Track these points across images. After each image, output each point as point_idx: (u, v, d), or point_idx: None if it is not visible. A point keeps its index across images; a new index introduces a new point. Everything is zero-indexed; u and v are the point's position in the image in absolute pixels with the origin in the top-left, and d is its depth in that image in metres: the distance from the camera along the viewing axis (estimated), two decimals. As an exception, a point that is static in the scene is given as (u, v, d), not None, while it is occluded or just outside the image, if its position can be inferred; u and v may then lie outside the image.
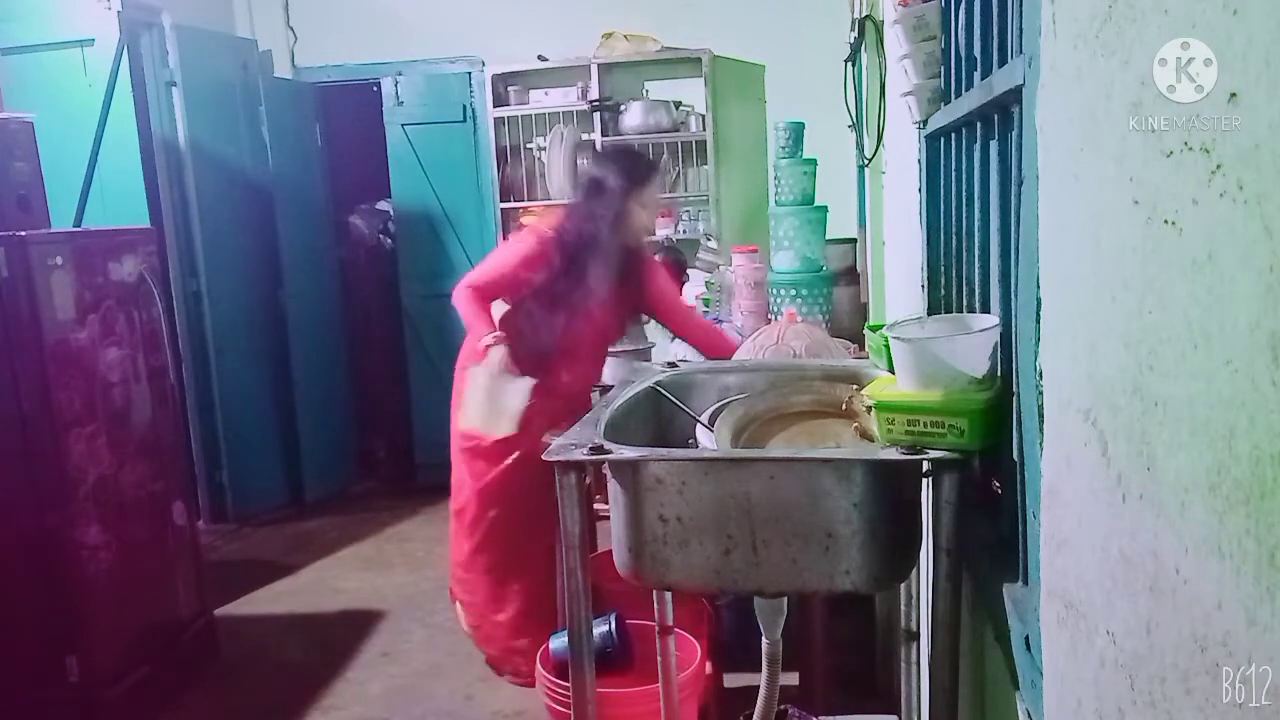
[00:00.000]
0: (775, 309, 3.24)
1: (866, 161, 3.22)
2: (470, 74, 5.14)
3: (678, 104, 4.93)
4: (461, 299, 2.81)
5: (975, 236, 1.42)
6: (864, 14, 3.11)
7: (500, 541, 2.91)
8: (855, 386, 1.58)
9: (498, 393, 2.63)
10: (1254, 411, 0.51)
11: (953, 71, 1.55)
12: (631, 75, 5.06)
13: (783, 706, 1.98)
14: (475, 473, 2.89)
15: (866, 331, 2.11)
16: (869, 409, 1.37)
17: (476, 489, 2.89)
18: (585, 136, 4.97)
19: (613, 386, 1.86)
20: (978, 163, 1.39)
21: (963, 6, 1.43)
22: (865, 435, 1.49)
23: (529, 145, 5.04)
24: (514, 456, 2.84)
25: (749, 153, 5.00)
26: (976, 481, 1.42)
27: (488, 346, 2.68)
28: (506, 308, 2.88)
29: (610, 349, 3.09)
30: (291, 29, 5.30)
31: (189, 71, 4.42)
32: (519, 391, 2.63)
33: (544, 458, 1.42)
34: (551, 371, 2.84)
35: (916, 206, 1.84)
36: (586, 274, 2.78)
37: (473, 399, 2.65)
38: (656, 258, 3.36)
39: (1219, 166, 0.55)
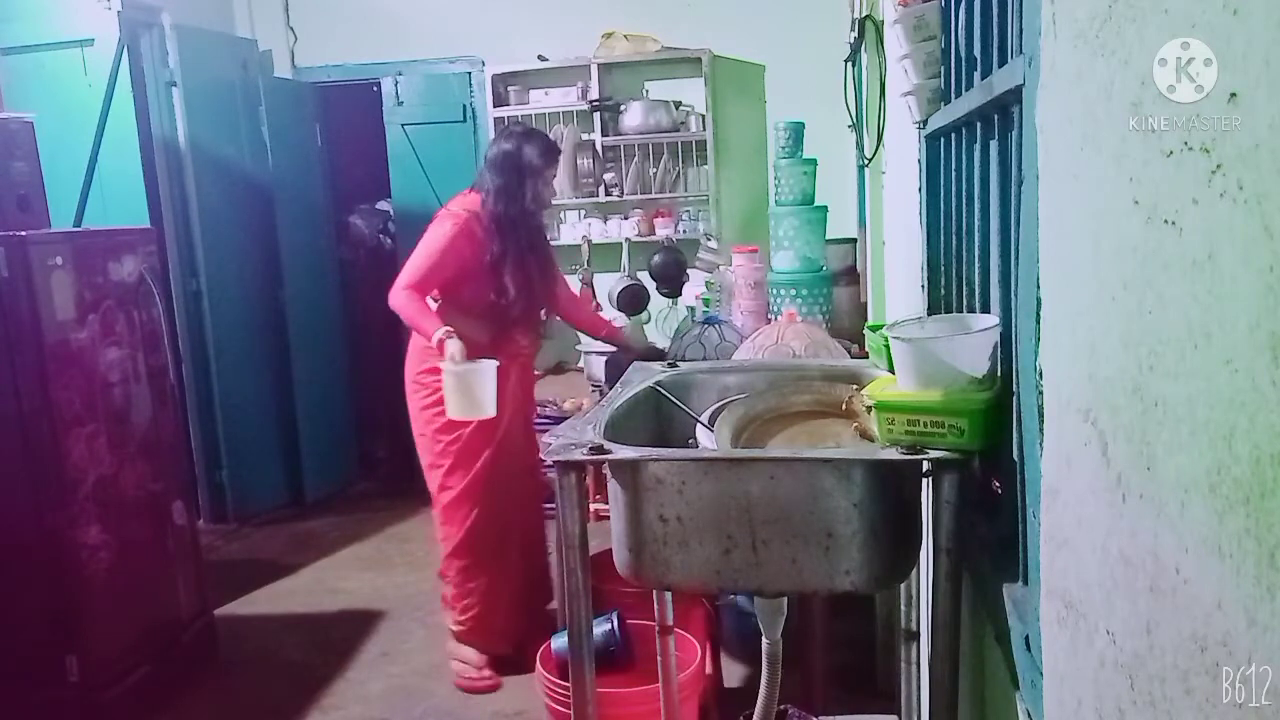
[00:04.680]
0: (775, 309, 3.24)
1: (866, 161, 3.22)
2: (470, 74, 5.14)
3: (678, 104, 4.93)
4: (402, 301, 2.86)
5: (975, 236, 1.42)
6: (864, 14, 3.11)
7: (494, 519, 2.98)
8: (855, 386, 1.58)
9: (470, 381, 2.72)
10: (1254, 411, 0.51)
11: (953, 71, 1.55)
12: (631, 75, 5.06)
13: (783, 706, 1.98)
14: (462, 465, 2.96)
15: (866, 331, 2.11)
16: (869, 409, 1.37)
17: (468, 479, 2.96)
18: (585, 136, 4.97)
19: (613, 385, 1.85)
20: (978, 163, 1.39)
21: (963, 6, 1.43)
22: (865, 435, 1.49)
23: (529, 145, 5.03)
24: (496, 440, 2.96)
25: (749, 153, 5.00)
26: (976, 481, 1.42)
27: (441, 341, 2.75)
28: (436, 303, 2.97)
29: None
30: (291, 29, 5.30)
31: (189, 71, 4.42)
32: (488, 374, 2.73)
33: (543, 457, 1.42)
34: (513, 340, 3.00)
35: (916, 206, 1.84)
36: (520, 245, 2.92)
37: (451, 395, 2.74)
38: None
39: (1219, 166, 0.54)
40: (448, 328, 2.79)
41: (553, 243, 4.98)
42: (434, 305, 2.95)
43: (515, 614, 3.06)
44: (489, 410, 2.75)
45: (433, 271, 2.89)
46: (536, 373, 3.40)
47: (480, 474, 2.96)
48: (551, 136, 3.34)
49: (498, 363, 2.77)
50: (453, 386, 2.72)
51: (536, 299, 3.04)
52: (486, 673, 3.00)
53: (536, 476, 3.21)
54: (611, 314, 4.14)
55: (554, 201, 3.20)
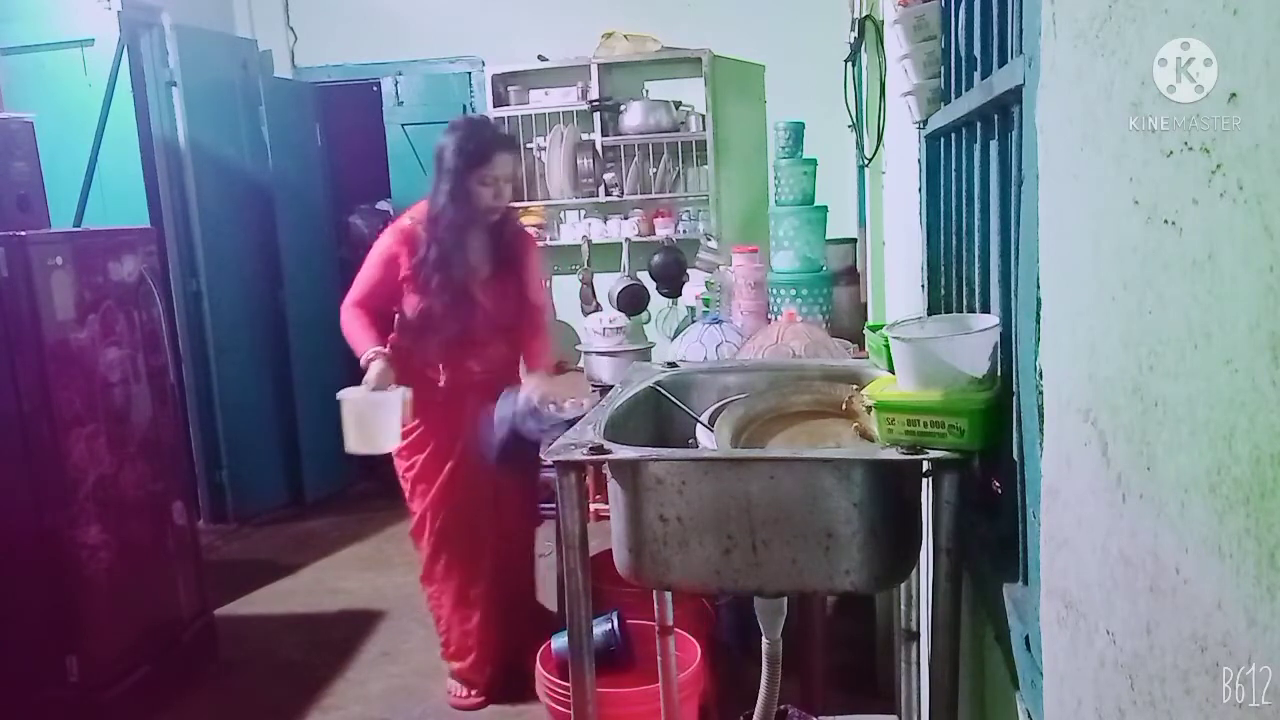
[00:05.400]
0: (775, 309, 3.24)
1: (866, 161, 3.22)
2: (470, 74, 5.14)
3: (678, 104, 4.94)
4: (344, 319, 2.74)
5: (975, 236, 1.42)
6: (864, 14, 3.11)
7: (454, 544, 2.88)
8: (855, 386, 1.57)
9: (366, 413, 2.58)
10: (1254, 411, 0.51)
11: (953, 71, 1.55)
12: (631, 75, 5.06)
13: (783, 706, 1.98)
14: (420, 493, 2.86)
15: (866, 331, 2.11)
16: (869, 409, 1.37)
17: (425, 505, 2.86)
18: (585, 136, 4.97)
19: (612, 386, 1.85)
20: (978, 163, 1.39)
21: (963, 6, 1.43)
22: (865, 435, 1.49)
23: (529, 145, 5.04)
24: (450, 465, 2.81)
25: (749, 153, 5.01)
26: (976, 481, 1.42)
27: (369, 361, 2.63)
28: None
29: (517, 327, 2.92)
30: (291, 29, 5.30)
31: (189, 71, 4.42)
32: (386, 407, 2.57)
33: (542, 457, 1.42)
34: (458, 364, 2.76)
35: (916, 206, 1.84)
36: (446, 255, 2.66)
37: (346, 425, 2.59)
38: (532, 234, 3.20)
39: (1219, 166, 0.54)
40: (378, 349, 2.64)
41: (551, 243, 5.02)
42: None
43: (488, 643, 2.92)
44: (385, 445, 2.62)
45: (374, 287, 2.75)
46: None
47: (435, 502, 2.83)
48: (496, 126, 2.90)
49: (405, 392, 2.59)
50: (346, 416, 2.57)
51: (478, 316, 2.73)
52: (474, 691, 2.94)
53: (511, 502, 2.92)
54: (611, 314, 4.14)
55: (501, 202, 2.76)
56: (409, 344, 2.77)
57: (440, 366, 2.77)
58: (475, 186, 2.68)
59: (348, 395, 2.60)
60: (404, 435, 2.74)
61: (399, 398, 2.58)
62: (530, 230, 3.17)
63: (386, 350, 2.69)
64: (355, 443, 2.61)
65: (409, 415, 2.64)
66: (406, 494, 2.91)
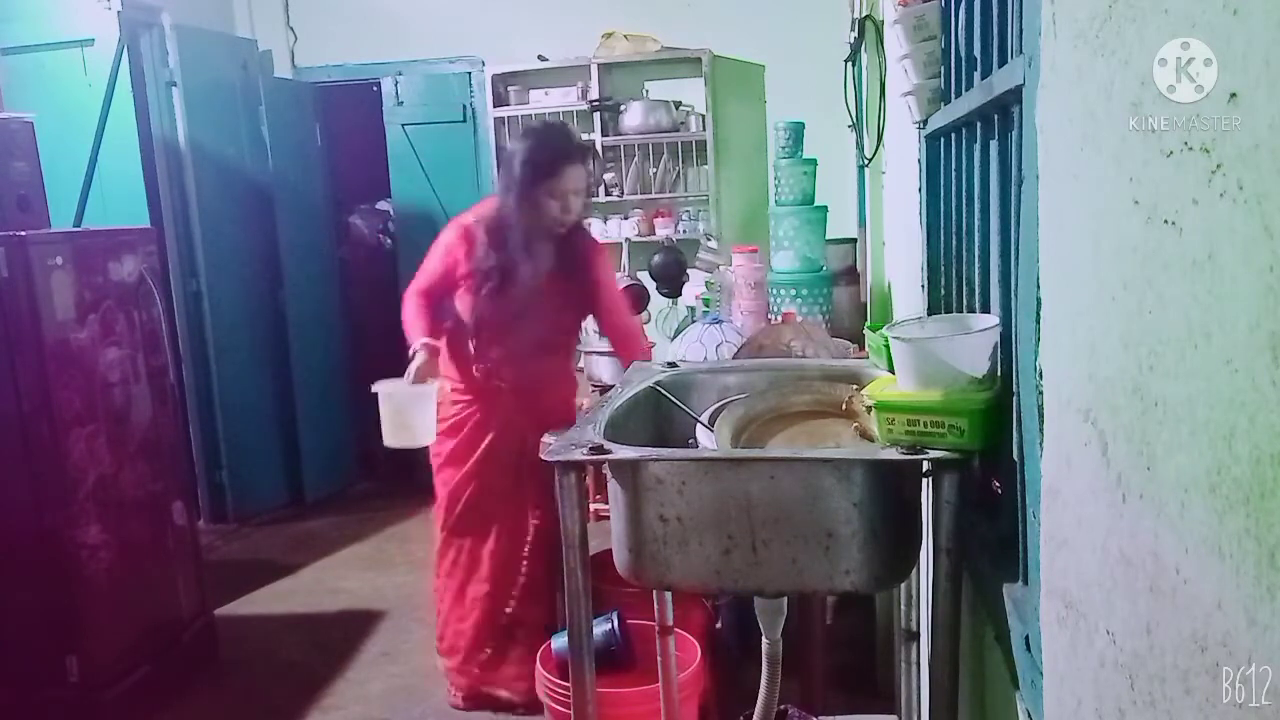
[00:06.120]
0: (775, 309, 3.24)
1: (866, 161, 3.23)
2: (470, 74, 5.14)
3: (678, 104, 4.94)
4: (404, 305, 2.75)
5: (975, 236, 1.42)
6: (864, 14, 3.11)
7: (463, 538, 2.86)
8: (855, 386, 1.57)
9: (404, 407, 2.58)
10: (1254, 411, 0.51)
11: (953, 71, 1.55)
12: (631, 75, 5.06)
13: (783, 706, 1.98)
14: (444, 479, 2.87)
15: (866, 331, 2.11)
16: (869, 409, 1.37)
17: (445, 493, 2.86)
18: (585, 136, 4.97)
19: (613, 386, 1.85)
20: (978, 163, 1.40)
21: (963, 6, 1.43)
22: (865, 435, 1.49)
23: (529, 145, 5.02)
24: (472, 460, 2.80)
25: (749, 153, 5.01)
26: (976, 481, 1.42)
27: (415, 352, 2.63)
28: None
29: (577, 340, 2.95)
30: (291, 29, 5.30)
31: (189, 71, 4.42)
32: (421, 401, 2.59)
33: (543, 457, 1.42)
34: (489, 371, 2.76)
35: (916, 206, 1.84)
36: (500, 262, 2.65)
37: (384, 418, 2.59)
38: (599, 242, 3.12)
39: (1219, 166, 0.54)
40: (427, 340, 2.64)
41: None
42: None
43: (476, 647, 2.86)
44: (422, 438, 2.63)
45: (432, 279, 2.76)
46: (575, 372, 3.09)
47: (454, 491, 2.83)
48: (570, 136, 2.80)
49: (437, 386, 2.61)
50: (384, 409, 2.57)
51: (520, 328, 2.70)
52: (458, 692, 2.94)
53: (522, 521, 2.83)
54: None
55: (569, 216, 2.70)
56: (458, 337, 2.78)
57: (474, 368, 2.78)
58: (543, 199, 2.62)
59: (385, 388, 2.59)
60: (442, 420, 2.77)
61: (430, 393, 2.61)
62: (600, 240, 3.06)
63: (434, 343, 2.70)
64: (392, 436, 2.60)
65: (446, 404, 2.68)
66: (436, 478, 2.90)
